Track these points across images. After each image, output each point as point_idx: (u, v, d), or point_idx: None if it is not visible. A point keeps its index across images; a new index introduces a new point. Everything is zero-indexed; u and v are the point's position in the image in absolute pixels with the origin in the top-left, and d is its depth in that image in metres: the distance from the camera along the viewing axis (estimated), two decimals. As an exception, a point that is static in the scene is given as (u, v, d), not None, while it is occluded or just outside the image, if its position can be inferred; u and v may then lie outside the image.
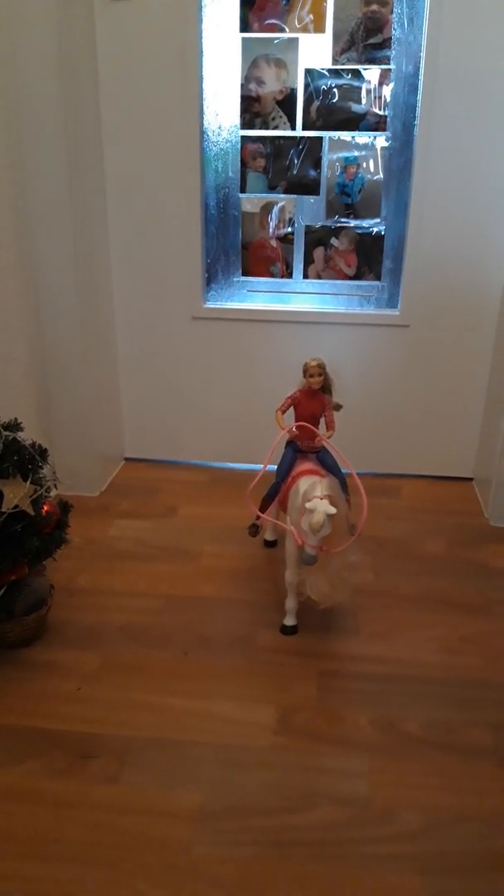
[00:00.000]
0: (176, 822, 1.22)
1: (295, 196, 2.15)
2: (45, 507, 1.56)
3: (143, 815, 1.24)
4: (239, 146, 2.13)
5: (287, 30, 2.00)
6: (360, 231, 2.17)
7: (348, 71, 2.01)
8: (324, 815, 1.24)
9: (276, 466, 1.72)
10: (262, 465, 1.67)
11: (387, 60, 1.99)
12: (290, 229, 2.19)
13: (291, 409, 1.71)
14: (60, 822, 1.22)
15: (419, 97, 1.99)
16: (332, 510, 1.42)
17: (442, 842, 1.20)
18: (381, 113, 2.04)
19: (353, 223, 2.16)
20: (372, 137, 2.07)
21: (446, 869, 1.16)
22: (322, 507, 1.42)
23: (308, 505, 1.44)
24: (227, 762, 1.34)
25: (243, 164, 2.14)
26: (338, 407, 1.73)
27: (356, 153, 2.09)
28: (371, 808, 1.25)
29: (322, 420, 1.71)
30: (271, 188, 2.15)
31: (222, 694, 1.50)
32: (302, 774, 1.32)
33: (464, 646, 1.65)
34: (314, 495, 1.44)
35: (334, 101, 2.04)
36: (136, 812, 1.24)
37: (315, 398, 1.69)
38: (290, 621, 1.68)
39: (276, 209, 2.18)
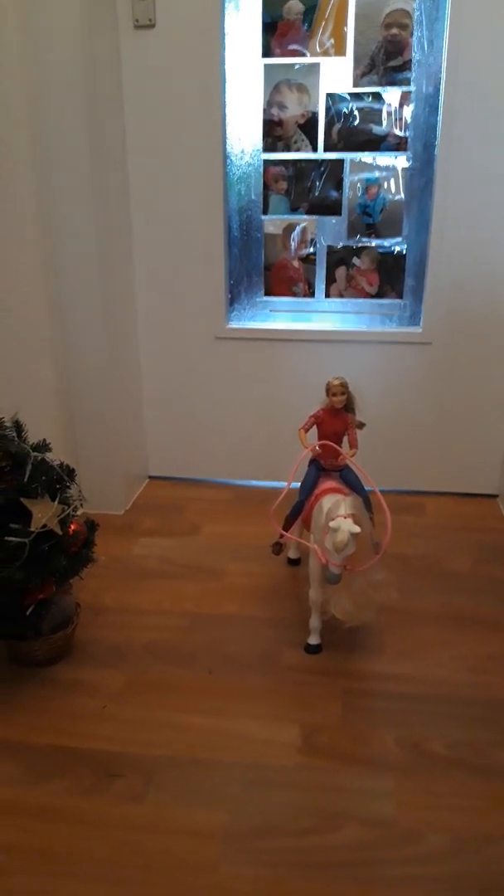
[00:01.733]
0: (201, 842, 1.22)
1: (317, 217, 2.18)
2: (73, 527, 1.58)
3: (168, 834, 1.24)
4: (261, 169, 2.16)
5: (308, 55, 2.03)
6: (381, 250, 2.18)
7: (369, 94, 2.03)
8: (350, 835, 1.23)
9: (299, 485, 1.73)
10: (285, 483, 1.68)
11: (407, 82, 2.01)
12: (312, 250, 2.21)
13: (314, 427, 1.72)
14: (87, 841, 1.23)
15: (439, 118, 2.01)
16: (356, 529, 1.42)
17: (468, 863, 1.18)
18: (401, 134, 2.06)
19: (374, 243, 2.18)
20: (393, 158, 2.09)
21: (473, 890, 1.14)
22: (346, 525, 1.42)
23: (332, 524, 1.44)
24: (253, 781, 1.34)
25: (266, 186, 2.17)
26: (361, 425, 1.73)
27: (377, 174, 2.11)
28: (397, 829, 1.24)
29: (345, 438, 1.71)
30: (293, 210, 2.18)
31: (247, 713, 1.50)
32: (327, 794, 1.31)
33: (490, 664, 1.64)
34: (338, 514, 1.45)
35: (355, 123, 2.07)
36: (162, 831, 1.24)
37: (338, 416, 1.70)
38: (314, 640, 1.68)
39: (298, 230, 2.20)
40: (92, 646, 1.70)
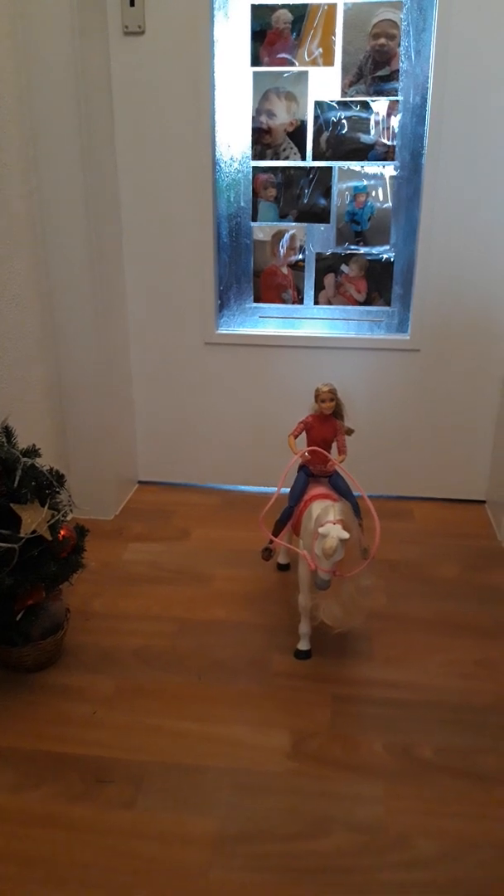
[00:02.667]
0: (191, 847, 1.22)
1: (305, 224, 2.19)
2: (62, 532, 1.58)
3: (158, 840, 1.24)
4: (250, 176, 2.17)
5: (297, 64, 2.05)
6: (369, 258, 2.20)
7: (357, 103, 2.05)
8: (339, 841, 1.24)
9: (288, 490, 1.74)
10: (274, 489, 1.69)
11: (395, 92, 2.03)
12: (300, 256, 2.23)
13: (304, 433, 1.73)
14: (77, 847, 1.23)
15: (427, 127, 2.03)
16: (345, 535, 1.43)
17: (457, 868, 1.19)
18: (389, 143, 2.08)
19: (362, 250, 2.19)
20: (381, 167, 2.11)
21: (462, 895, 1.15)
22: (335, 531, 1.43)
23: (321, 530, 1.44)
24: (242, 787, 1.34)
25: (255, 193, 2.18)
26: (349, 431, 1.75)
27: (365, 182, 2.13)
28: (386, 834, 1.25)
29: (334, 444, 1.72)
30: (282, 217, 2.19)
31: (236, 719, 1.51)
32: (317, 800, 1.32)
33: (478, 670, 1.65)
34: (327, 520, 1.45)
35: (343, 131, 2.08)
36: (152, 837, 1.24)
37: (327, 423, 1.71)
38: (303, 646, 1.68)
39: (287, 237, 2.21)
40: (82, 651, 1.70)
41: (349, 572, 1.51)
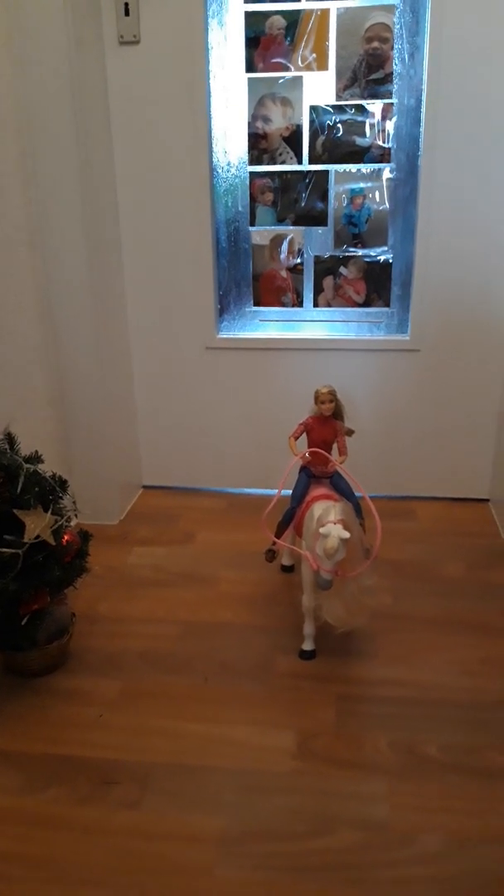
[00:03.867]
0: (197, 847, 1.23)
1: (303, 228, 2.21)
2: (66, 537, 1.59)
3: (164, 840, 1.25)
4: (248, 181, 2.19)
5: (291, 69, 2.06)
6: (368, 260, 2.21)
7: (352, 106, 2.07)
8: (344, 839, 1.25)
9: (290, 492, 1.75)
10: (276, 491, 1.70)
11: (389, 95, 2.05)
12: (299, 260, 2.24)
13: (304, 435, 1.74)
14: (84, 848, 1.24)
15: (422, 129, 2.04)
16: (346, 535, 1.43)
17: (462, 865, 1.20)
18: (385, 145, 2.10)
19: (361, 252, 2.21)
20: (377, 169, 2.12)
21: (467, 892, 1.15)
22: (336, 531, 1.43)
23: (322, 530, 1.45)
24: (248, 787, 1.35)
25: (252, 198, 2.20)
26: (350, 432, 1.76)
27: (362, 185, 2.14)
28: (391, 832, 1.26)
29: (335, 445, 1.73)
30: (280, 221, 2.21)
31: (242, 719, 1.51)
32: (322, 799, 1.32)
33: (483, 668, 1.65)
34: (328, 520, 1.46)
35: (339, 135, 2.10)
36: (158, 837, 1.25)
37: (327, 424, 1.72)
38: (308, 646, 1.69)
39: (285, 241, 2.23)
40: (87, 655, 1.71)
41: (351, 572, 1.51)
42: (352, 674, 1.64)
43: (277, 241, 2.23)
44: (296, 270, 2.26)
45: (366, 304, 2.26)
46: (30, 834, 1.27)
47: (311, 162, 2.14)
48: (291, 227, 2.21)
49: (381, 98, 2.05)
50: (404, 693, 1.58)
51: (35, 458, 1.57)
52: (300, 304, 2.29)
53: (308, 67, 2.05)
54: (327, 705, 1.55)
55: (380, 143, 2.09)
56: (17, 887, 1.17)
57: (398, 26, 1.98)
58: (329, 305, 2.28)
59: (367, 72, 2.03)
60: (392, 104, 2.06)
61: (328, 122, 2.09)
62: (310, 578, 1.61)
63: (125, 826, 1.28)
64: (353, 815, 1.29)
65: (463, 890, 1.16)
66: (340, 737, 1.46)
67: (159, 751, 1.44)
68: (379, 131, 2.08)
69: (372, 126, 2.08)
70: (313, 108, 2.08)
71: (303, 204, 2.18)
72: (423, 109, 2.02)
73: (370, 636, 1.75)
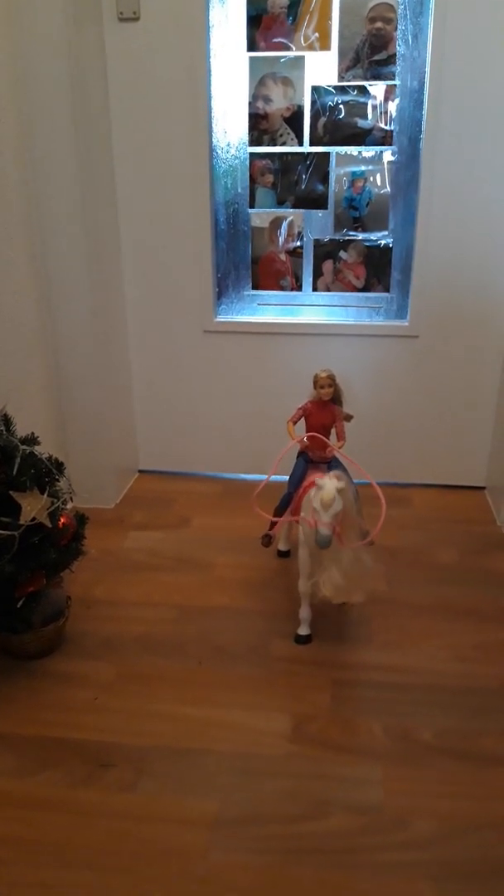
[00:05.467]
0: (192, 830, 1.24)
1: (303, 210, 2.18)
2: (62, 520, 1.58)
3: (159, 822, 1.25)
4: (247, 163, 2.16)
5: (293, 48, 2.03)
6: (368, 244, 2.19)
7: (354, 87, 2.04)
8: (338, 822, 1.25)
9: (283, 477, 1.74)
10: (275, 477, 1.69)
11: (392, 76, 2.02)
12: (299, 243, 2.22)
13: (303, 419, 1.73)
14: (80, 830, 1.24)
15: (424, 112, 2.02)
16: (341, 484, 1.46)
17: (456, 849, 1.21)
18: (386, 128, 2.07)
19: (361, 236, 2.19)
20: (378, 152, 2.10)
21: (460, 876, 1.16)
22: (331, 483, 1.46)
23: (318, 481, 1.48)
24: (243, 770, 1.35)
25: (252, 180, 2.18)
26: (348, 417, 1.75)
27: (363, 167, 2.12)
28: (385, 816, 1.26)
29: (333, 430, 1.73)
30: (280, 203, 2.19)
31: (237, 703, 1.52)
32: (316, 782, 1.33)
33: (477, 654, 1.66)
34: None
35: (341, 116, 2.07)
36: (153, 820, 1.26)
37: (325, 409, 1.71)
38: (303, 630, 1.69)
39: (284, 224, 2.21)
40: (83, 638, 1.71)
41: (349, 541, 1.51)
42: (347, 659, 1.65)
43: (277, 223, 2.21)
44: (295, 254, 2.24)
45: (365, 288, 2.24)
46: (24, 817, 1.27)
47: (312, 143, 2.11)
48: (291, 210, 2.19)
49: (384, 79, 2.03)
50: (399, 678, 1.58)
51: (31, 440, 1.56)
52: (299, 287, 2.27)
53: (310, 47, 2.02)
54: (322, 690, 1.55)
55: (382, 125, 2.07)
56: (10, 869, 1.17)
57: (402, 7, 1.95)
58: (328, 289, 2.26)
59: (370, 52, 2.00)
60: (395, 86, 2.03)
61: (330, 103, 2.06)
62: (307, 562, 1.61)
63: (120, 809, 1.28)
64: (347, 799, 1.30)
65: (456, 874, 1.17)
66: (335, 721, 1.47)
67: (154, 734, 1.44)
68: (381, 113, 2.06)
69: (374, 108, 2.06)
70: (315, 89, 2.06)
71: (303, 186, 2.16)
72: (426, 92, 2.00)
73: (365, 621, 1.76)
